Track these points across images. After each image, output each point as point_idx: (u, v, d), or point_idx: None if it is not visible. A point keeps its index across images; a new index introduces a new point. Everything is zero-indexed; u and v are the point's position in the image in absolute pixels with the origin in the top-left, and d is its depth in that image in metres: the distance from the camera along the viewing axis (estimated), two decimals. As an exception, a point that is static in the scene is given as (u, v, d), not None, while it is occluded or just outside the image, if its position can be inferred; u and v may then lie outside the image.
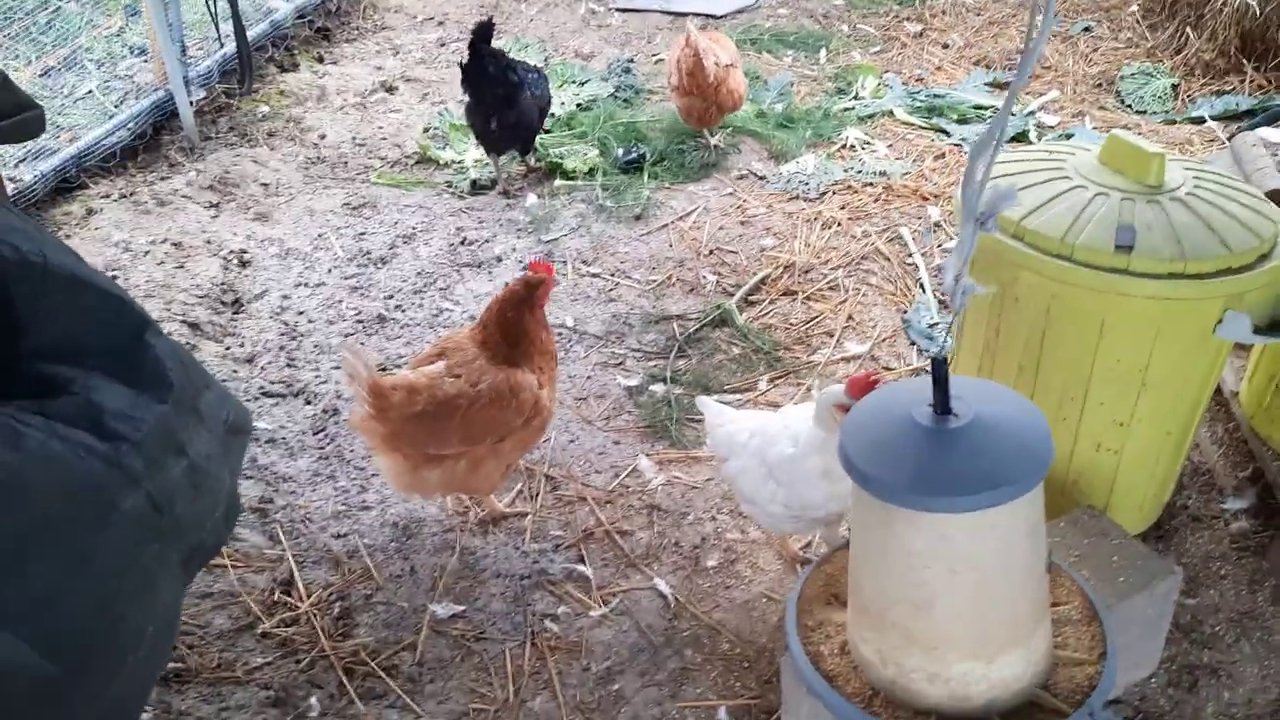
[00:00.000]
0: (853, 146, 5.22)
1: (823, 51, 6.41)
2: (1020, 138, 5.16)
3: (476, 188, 5.00)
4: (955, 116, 5.47)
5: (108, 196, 4.73)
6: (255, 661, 2.66)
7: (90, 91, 5.32)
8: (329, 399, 3.58)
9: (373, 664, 2.64)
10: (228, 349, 3.84)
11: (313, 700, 2.55)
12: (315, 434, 3.44)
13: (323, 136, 5.44)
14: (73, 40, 5.56)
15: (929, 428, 1.82)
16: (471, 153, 5.25)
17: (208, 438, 1.88)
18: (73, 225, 4.50)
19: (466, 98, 4.77)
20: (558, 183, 4.99)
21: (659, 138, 5.34)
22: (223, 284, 4.17)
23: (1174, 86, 5.67)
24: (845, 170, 4.97)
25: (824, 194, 4.80)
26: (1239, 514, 2.95)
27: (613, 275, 4.28)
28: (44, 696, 1.64)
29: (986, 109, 5.53)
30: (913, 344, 3.80)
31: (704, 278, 4.23)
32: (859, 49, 6.46)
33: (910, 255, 4.32)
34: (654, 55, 6.45)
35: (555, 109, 5.46)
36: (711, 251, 4.42)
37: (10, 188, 4.30)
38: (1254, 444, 3.08)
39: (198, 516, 1.84)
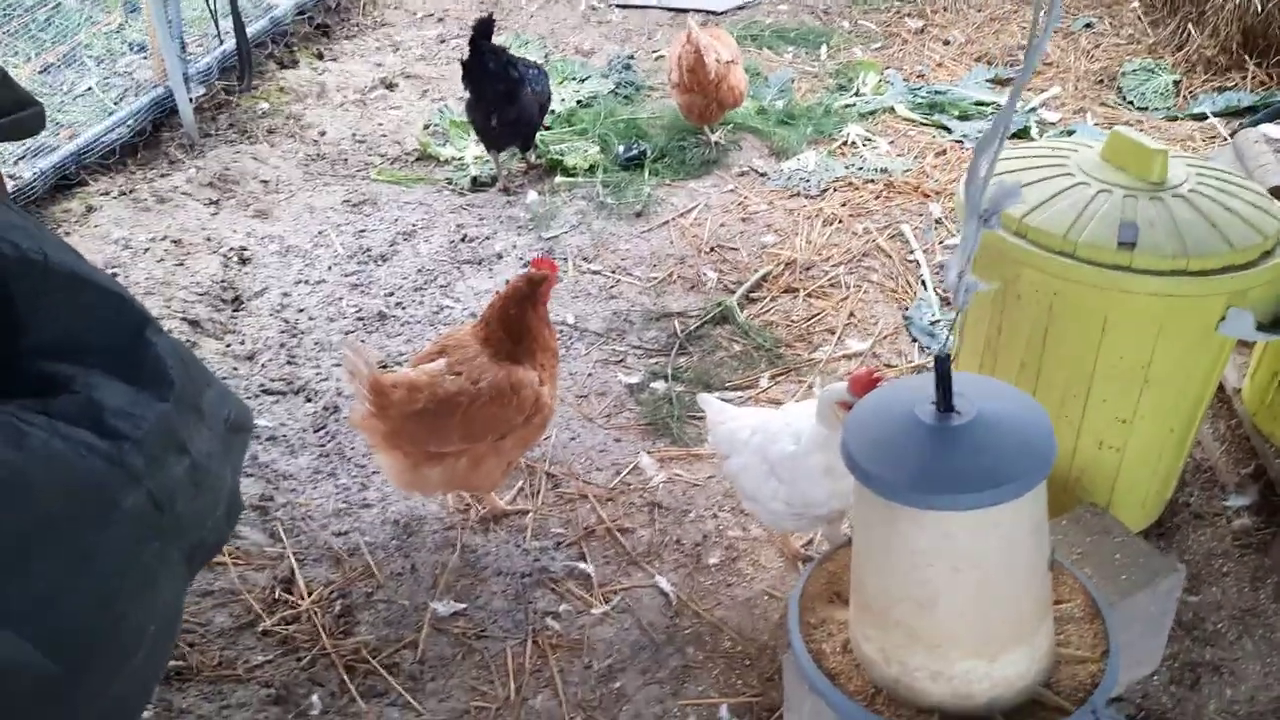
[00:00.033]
0: (854, 143, 5.21)
1: (824, 48, 6.40)
2: (1022, 134, 5.15)
3: (477, 184, 4.99)
4: (956, 113, 5.46)
5: (107, 194, 4.72)
6: (256, 659, 2.65)
7: (90, 88, 5.31)
8: (329, 396, 3.58)
9: (374, 662, 2.64)
10: (228, 346, 3.84)
11: (314, 698, 2.55)
12: (316, 431, 3.44)
13: (323, 133, 5.43)
14: (72, 37, 5.55)
15: (932, 425, 1.81)
16: (472, 149, 5.25)
17: (209, 436, 1.88)
18: (72, 222, 4.49)
19: (467, 94, 4.77)
20: (558, 179, 4.99)
21: (660, 134, 5.34)
22: (223, 281, 4.16)
23: (1176, 83, 5.66)
24: (846, 167, 4.97)
25: (825, 191, 4.79)
26: (1241, 511, 2.95)
27: (614, 272, 4.28)
28: (46, 695, 1.64)
29: (988, 105, 5.52)
30: (914, 341, 3.79)
31: (705, 275, 4.23)
32: (860, 45, 6.45)
33: (912, 252, 4.32)
34: (654, 52, 6.44)
35: (556, 106, 5.45)
36: (713, 248, 4.41)
37: (10, 185, 4.30)
38: (1256, 441, 3.08)
39: (199, 514, 1.84)
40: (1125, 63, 5.90)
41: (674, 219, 4.65)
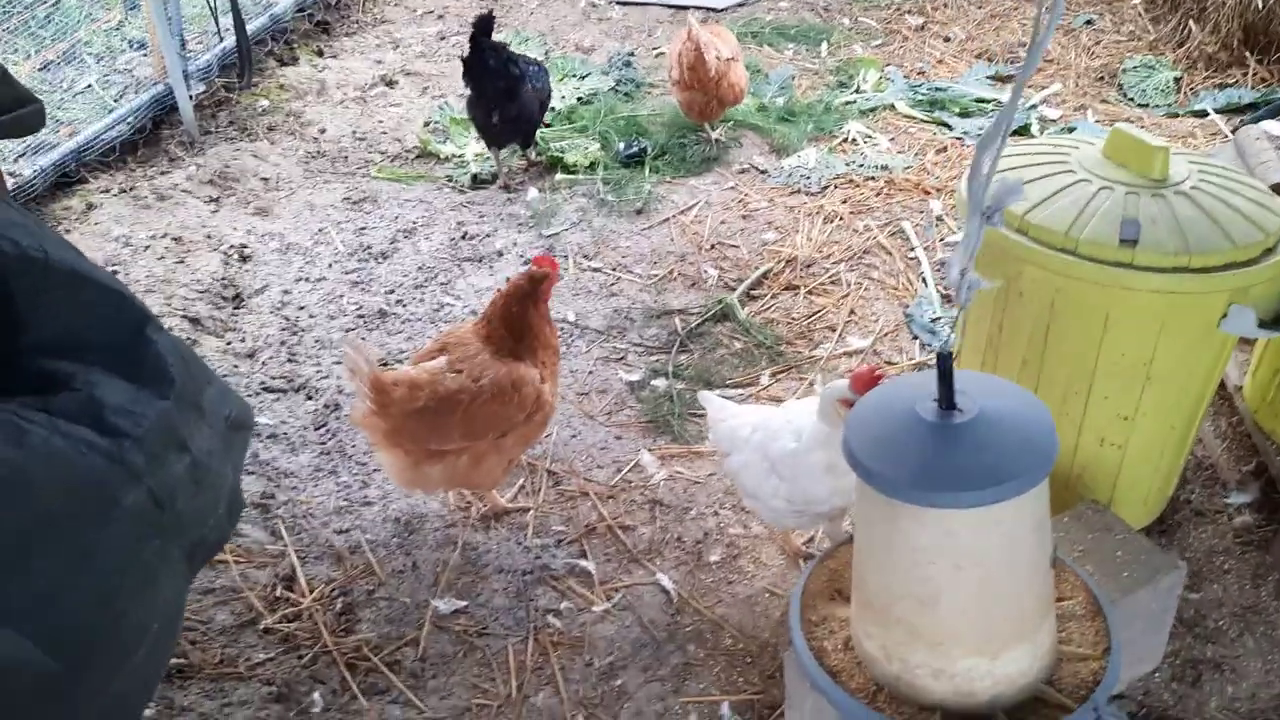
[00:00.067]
0: (854, 140, 5.20)
1: (824, 45, 6.40)
2: (1022, 131, 5.14)
3: (477, 182, 4.99)
4: (957, 110, 5.46)
5: (107, 191, 4.72)
6: (258, 657, 2.65)
7: (90, 86, 5.31)
8: (330, 394, 3.58)
9: (375, 659, 2.64)
10: (228, 344, 3.84)
11: (315, 696, 2.55)
12: (317, 429, 3.43)
13: (323, 131, 5.43)
14: (72, 34, 5.55)
15: (933, 423, 1.81)
16: (472, 147, 5.24)
17: (210, 433, 1.88)
18: (72, 220, 4.49)
19: (467, 91, 4.76)
20: (559, 177, 4.98)
21: (660, 132, 5.33)
22: (223, 279, 4.16)
23: (1176, 80, 5.65)
24: (847, 164, 4.96)
25: (826, 188, 4.79)
26: (1242, 508, 2.95)
27: (614, 270, 4.27)
28: (46, 693, 1.64)
29: (988, 102, 5.51)
30: (915, 338, 3.79)
31: (705, 272, 4.22)
32: (860, 42, 6.44)
33: (912, 249, 4.31)
34: (655, 49, 6.43)
35: (556, 103, 5.45)
36: (713, 246, 4.41)
37: (10, 182, 4.29)
38: (1257, 438, 3.07)
39: (200, 512, 1.84)
40: (1126, 59, 5.89)
41: (675, 216, 4.64)
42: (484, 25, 4.57)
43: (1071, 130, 5.13)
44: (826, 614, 2.13)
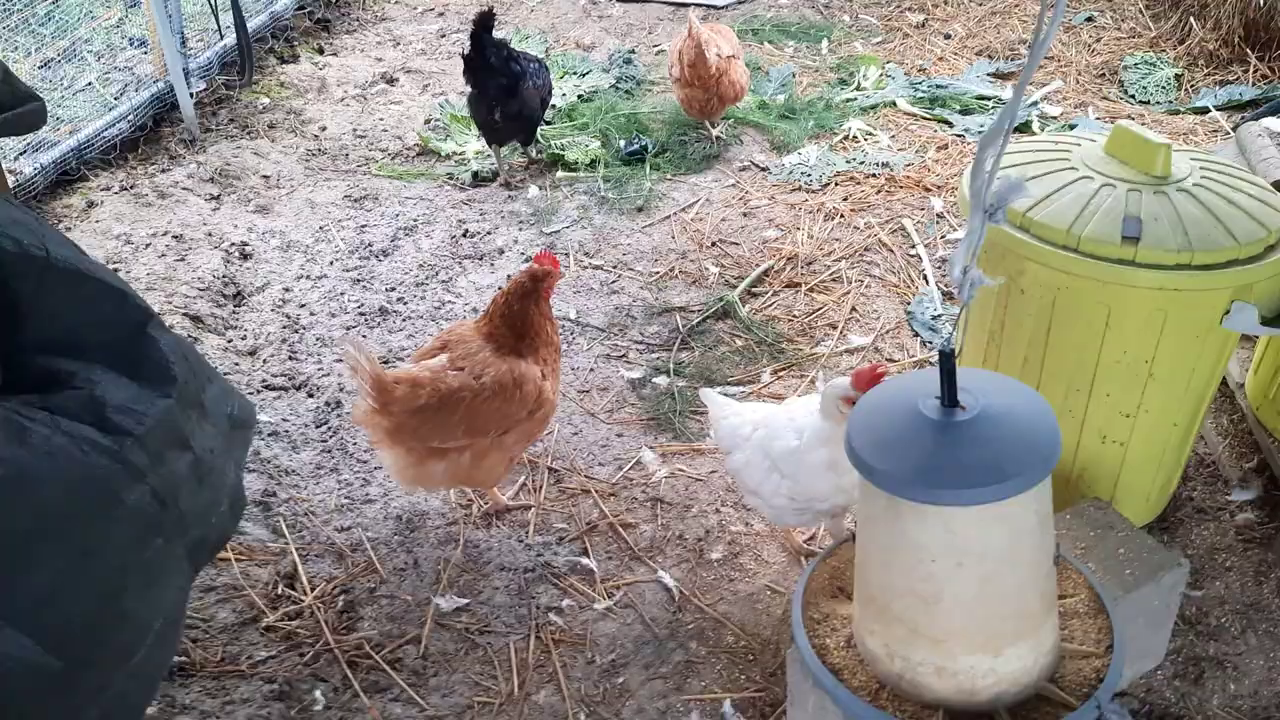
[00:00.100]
0: (855, 137, 5.20)
1: (824, 42, 6.39)
2: (1023, 128, 5.14)
3: (478, 179, 4.99)
4: (958, 107, 5.45)
5: (108, 189, 4.71)
6: (259, 655, 2.65)
7: (90, 83, 5.31)
8: (331, 392, 3.57)
9: (377, 657, 2.63)
10: (229, 342, 3.83)
11: (317, 694, 2.55)
12: (318, 427, 3.43)
13: (323, 128, 5.43)
14: (72, 32, 5.54)
15: (936, 420, 1.81)
16: (473, 144, 5.24)
17: (212, 432, 1.88)
18: (73, 218, 4.49)
19: (468, 88, 4.76)
20: (559, 174, 4.98)
21: (661, 129, 5.33)
22: (224, 276, 4.16)
23: (1177, 76, 5.65)
24: (848, 161, 4.96)
25: (826, 185, 4.79)
26: (1244, 505, 2.95)
27: (615, 267, 4.27)
28: (48, 691, 1.64)
29: (989, 99, 5.51)
30: (916, 336, 3.79)
31: (706, 270, 4.22)
32: (861, 39, 6.43)
33: (913, 247, 4.31)
34: (655, 46, 6.43)
35: (556, 100, 5.45)
36: (714, 243, 4.41)
37: (11, 180, 4.29)
38: (1259, 435, 3.07)
39: (202, 510, 1.84)
40: (1127, 56, 5.89)
41: (675, 214, 4.64)
42: (485, 22, 4.57)
43: (1072, 127, 5.13)
44: (829, 611, 2.13)
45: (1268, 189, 2.55)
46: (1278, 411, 3.00)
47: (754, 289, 4.10)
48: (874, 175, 4.83)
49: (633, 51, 6.23)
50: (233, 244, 4.36)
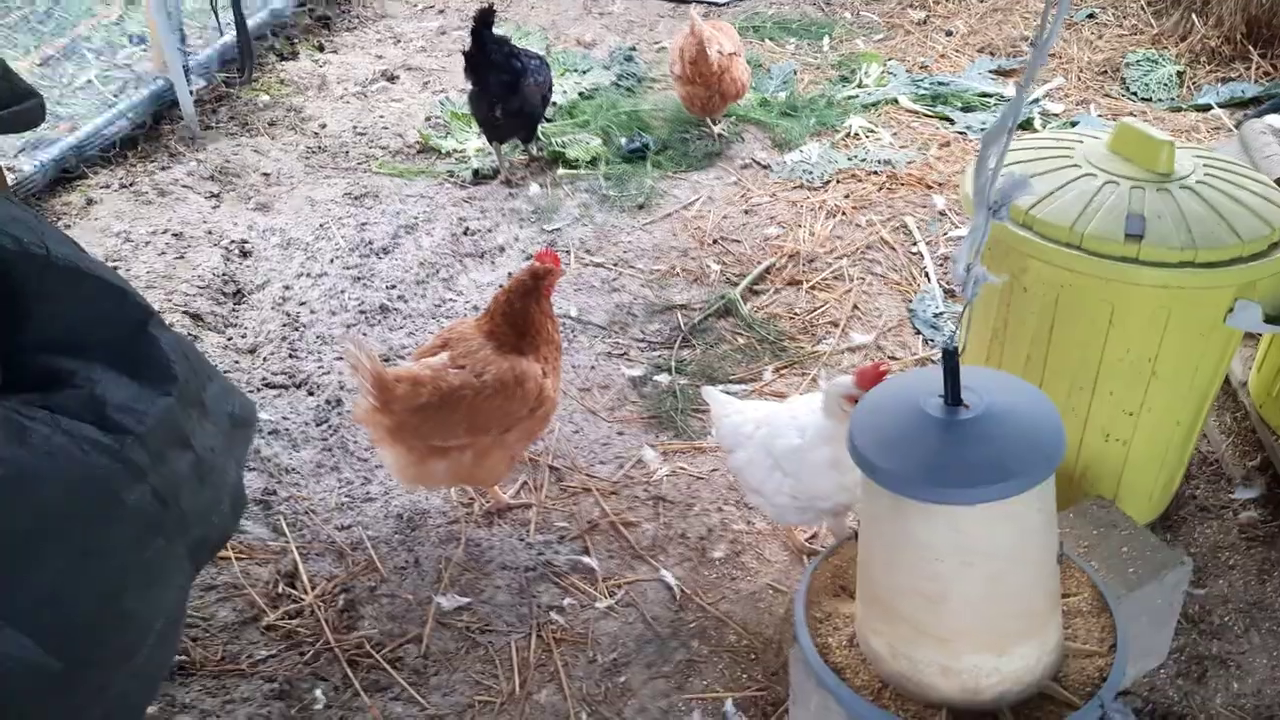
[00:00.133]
0: (857, 135, 5.19)
1: (826, 39, 6.38)
2: (1025, 126, 5.13)
3: (479, 177, 4.98)
4: (960, 104, 5.44)
5: (108, 187, 4.71)
6: (260, 654, 2.65)
7: (90, 81, 5.29)
8: (332, 390, 3.57)
9: (377, 656, 2.63)
10: (229, 340, 3.83)
11: (317, 693, 2.54)
12: (318, 425, 3.42)
13: (323, 126, 5.42)
14: (72, 29, 5.53)
15: (940, 419, 1.80)
16: (473, 142, 5.23)
17: (212, 430, 1.87)
18: (73, 216, 4.48)
19: (469, 85, 4.75)
20: (560, 172, 4.97)
21: (662, 126, 5.32)
22: (224, 274, 4.15)
23: (1179, 73, 5.64)
24: (849, 159, 4.95)
25: (828, 183, 4.78)
26: (1248, 504, 2.94)
27: (616, 265, 4.26)
28: (48, 691, 1.63)
29: (991, 97, 5.50)
30: (918, 334, 3.78)
31: (708, 267, 4.21)
32: (862, 36, 6.42)
33: (915, 244, 4.30)
34: (656, 43, 6.42)
35: (557, 98, 5.44)
36: (715, 241, 4.40)
37: (10, 178, 4.28)
38: (1262, 433, 3.07)
39: (203, 510, 1.83)
40: (1129, 53, 5.88)
41: (677, 211, 4.63)
42: (486, 18, 4.56)
43: (1074, 125, 5.12)
44: (831, 610, 2.12)
45: (1271, 186, 2.54)
46: (1281, 409, 3.00)
47: (756, 287, 4.09)
48: (876, 173, 4.83)
49: (634, 49, 6.22)
50: (233, 242, 4.35)
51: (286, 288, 4.13)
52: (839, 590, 2.18)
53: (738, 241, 4.39)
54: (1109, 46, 6.09)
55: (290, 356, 3.75)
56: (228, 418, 1.99)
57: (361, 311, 3.99)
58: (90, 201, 4.57)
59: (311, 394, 3.57)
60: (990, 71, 5.78)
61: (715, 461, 3.22)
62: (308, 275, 4.22)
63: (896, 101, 5.50)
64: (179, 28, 5.22)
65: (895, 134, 5.21)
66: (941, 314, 3.82)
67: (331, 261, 4.30)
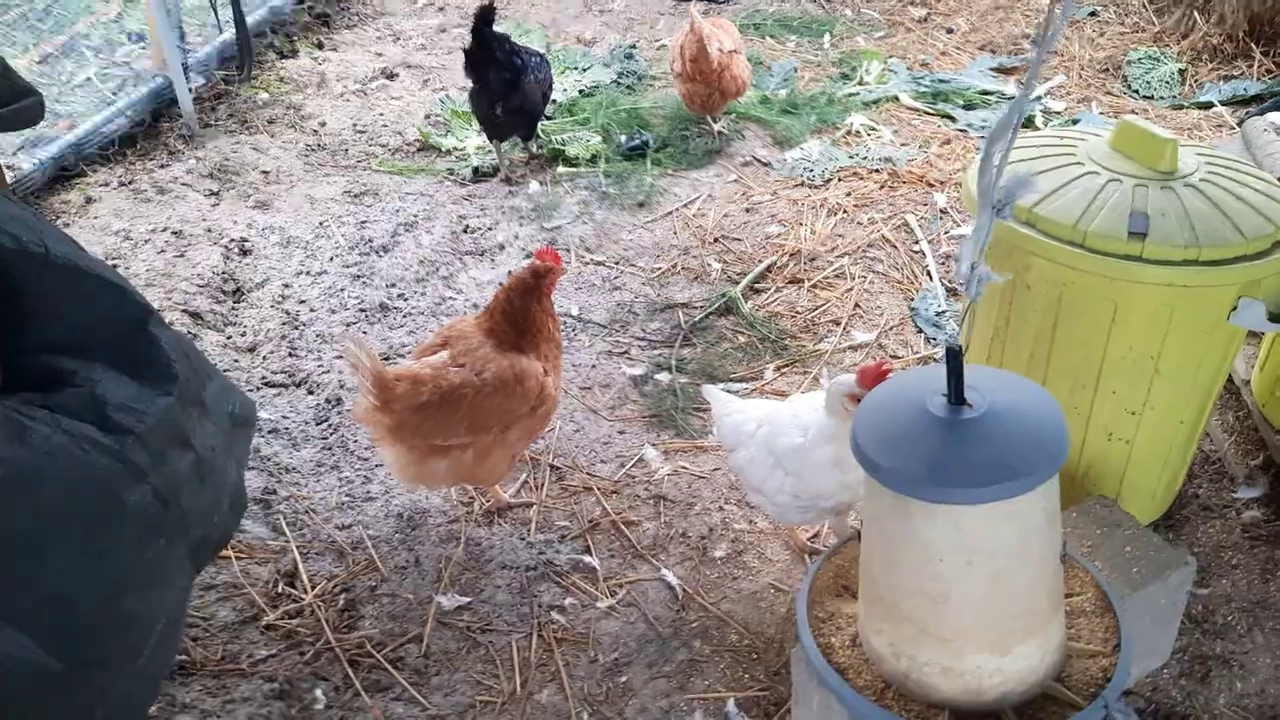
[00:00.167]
0: (858, 132, 5.18)
1: (826, 37, 6.37)
2: (1027, 124, 5.12)
3: (479, 175, 4.97)
4: (961, 102, 5.43)
5: (107, 185, 4.69)
6: (260, 654, 2.64)
7: (89, 79, 5.28)
8: (332, 389, 3.56)
9: (378, 656, 2.62)
10: (229, 338, 3.82)
11: (318, 693, 2.53)
12: (318, 424, 3.42)
13: (323, 124, 5.40)
14: (70, 27, 5.52)
15: (943, 418, 1.79)
16: (473, 140, 5.22)
17: (213, 430, 1.86)
18: (72, 214, 4.47)
19: (469, 83, 4.73)
20: (560, 170, 4.96)
21: (662, 124, 5.31)
22: (224, 273, 4.14)
23: (1181, 71, 5.63)
24: (851, 156, 4.94)
25: (829, 180, 4.77)
26: (1251, 503, 2.93)
27: (617, 263, 4.25)
28: (49, 691, 1.62)
29: (992, 94, 5.48)
30: (920, 332, 3.77)
31: (709, 265, 4.20)
32: (863, 34, 6.41)
33: (917, 243, 4.29)
34: (656, 41, 6.41)
35: (557, 96, 5.42)
36: (716, 239, 4.39)
37: (9, 176, 4.27)
38: (1265, 432, 3.06)
39: (204, 509, 1.82)
40: (1130, 51, 5.87)
41: (677, 209, 4.62)
42: (486, 15, 4.55)
43: (1075, 122, 5.11)
44: (833, 610, 2.11)
45: (1274, 184, 2.54)
46: (1284, 408, 2.99)
47: (756, 285, 4.08)
48: (877, 171, 4.82)
49: (634, 46, 6.21)
50: (232, 240, 4.34)
51: (286, 286, 4.12)
52: (841, 590, 2.17)
53: (739, 240, 4.38)
54: (1110, 44, 6.08)
55: (290, 355, 3.74)
56: (228, 417, 1.98)
57: (361, 310, 3.98)
58: (89, 200, 4.56)
59: (311, 393, 3.56)
60: (991, 69, 5.77)
61: (716, 460, 3.21)
62: (307, 273, 4.21)
63: (897, 99, 5.49)
64: (178, 25, 5.21)
65: (896, 132, 5.20)
66: (943, 312, 3.81)
67: (331, 260, 4.29)
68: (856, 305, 3.92)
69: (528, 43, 5.71)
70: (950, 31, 6.38)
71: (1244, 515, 2.91)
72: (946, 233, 4.33)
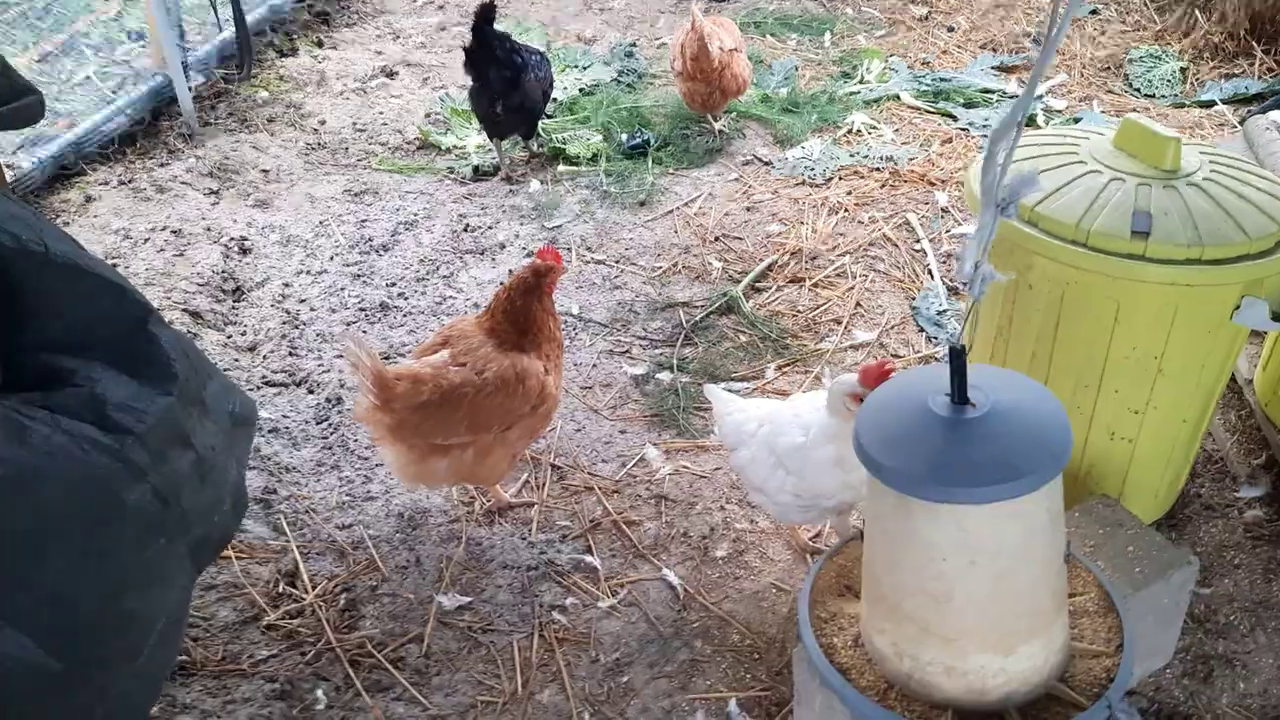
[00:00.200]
0: (859, 131, 5.17)
1: (827, 35, 6.36)
2: (1028, 122, 5.10)
3: (479, 174, 4.96)
4: (962, 101, 5.42)
5: (106, 183, 4.69)
6: (261, 654, 2.63)
7: (88, 77, 5.27)
8: (332, 388, 3.55)
9: (379, 656, 2.61)
10: (229, 338, 3.81)
11: (319, 693, 2.53)
12: (319, 423, 3.41)
13: (323, 122, 5.40)
14: (70, 25, 5.51)
15: (946, 418, 1.79)
16: (473, 138, 5.21)
17: (213, 429, 1.86)
18: (71, 213, 4.46)
19: (469, 82, 4.73)
20: (561, 168, 4.95)
21: (663, 123, 5.30)
22: (223, 272, 4.13)
23: (1183, 70, 5.62)
24: (851, 155, 4.93)
25: (830, 179, 4.76)
26: (1253, 502, 2.93)
27: (618, 262, 4.25)
28: (48, 691, 1.62)
29: (994, 93, 5.48)
30: (921, 331, 3.76)
31: (710, 264, 4.19)
32: (864, 32, 6.40)
33: (918, 241, 4.28)
34: (657, 39, 6.40)
35: (558, 94, 5.42)
36: (717, 238, 4.38)
37: (8, 175, 4.26)
38: (1268, 431, 3.05)
39: (205, 509, 1.82)
40: (1132, 49, 5.86)
41: (678, 208, 4.61)
42: (486, 13, 4.54)
43: (1077, 121, 5.10)
44: (836, 610, 2.11)
45: (1277, 183, 2.53)
46: (1286, 407, 2.98)
47: (758, 284, 4.07)
48: (878, 169, 4.81)
49: (634, 45, 6.20)
50: (232, 239, 4.34)
51: (286, 285, 4.12)
52: (844, 590, 2.16)
53: (739, 238, 4.37)
54: (1112, 42, 6.07)
55: (290, 354, 3.73)
56: (228, 416, 1.98)
57: (361, 309, 3.97)
58: (89, 198, 4.55)
59: (312, 392, 3.55)
60: (992, 68, 5.77)
61: (718, 460, 3.20)
62: (307, 272, 4.20)
63: (898, 98, 5.48)
64: (178, 24, 5.20)
65: (897, 130, 5.19)
66: (945, 311, 3.81)
67: (331, 259, 4.29)
68: (858, 304, 3.91)
69: (528, 41, 5.71)
70: (951, 30, 6.37)
71: (1246, 514, 2.90)
72: (948, 231, 4.33)
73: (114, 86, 5.24)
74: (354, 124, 5.40)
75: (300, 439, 3.34)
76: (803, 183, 4.75)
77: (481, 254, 4.32)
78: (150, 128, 5.14)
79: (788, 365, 3.62)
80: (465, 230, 4.47)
